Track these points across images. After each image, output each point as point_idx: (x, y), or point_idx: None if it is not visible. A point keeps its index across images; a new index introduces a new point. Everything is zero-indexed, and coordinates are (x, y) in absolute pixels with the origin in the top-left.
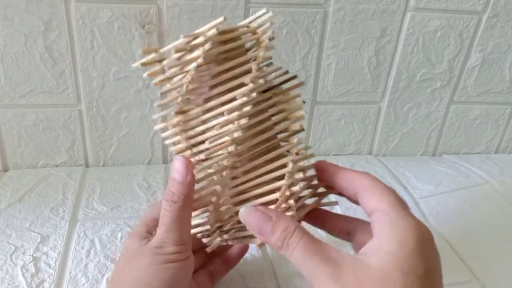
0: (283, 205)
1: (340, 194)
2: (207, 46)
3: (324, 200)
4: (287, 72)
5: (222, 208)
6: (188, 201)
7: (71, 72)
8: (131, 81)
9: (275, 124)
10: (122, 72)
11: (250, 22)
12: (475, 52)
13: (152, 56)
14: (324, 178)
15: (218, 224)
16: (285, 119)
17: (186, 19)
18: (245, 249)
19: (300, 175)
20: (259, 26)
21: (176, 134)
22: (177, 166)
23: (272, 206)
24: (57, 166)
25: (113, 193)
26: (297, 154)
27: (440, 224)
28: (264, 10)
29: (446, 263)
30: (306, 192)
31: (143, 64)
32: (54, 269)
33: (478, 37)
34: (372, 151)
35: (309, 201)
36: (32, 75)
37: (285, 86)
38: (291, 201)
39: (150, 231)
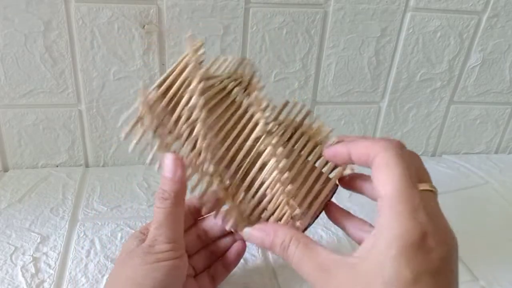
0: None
1: None
2: (147, 115)
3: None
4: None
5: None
6: (179, 198)
7: (71, 72)
8: (131, 81)
9: (252, 129)
10: (122, 72)
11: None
12: (475, 52)
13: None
14: (339, 163)
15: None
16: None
17: (186, 19)
18: (242, 250)
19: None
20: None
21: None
22: (167, 164)
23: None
24: (57, 166)
25: (113, 193)
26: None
27: None
28: (189, 33)
29: None
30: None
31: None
32: (54, 269)
33: (478, 37)
34: None
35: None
36: (32, 75)
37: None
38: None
39: (146, 234)
